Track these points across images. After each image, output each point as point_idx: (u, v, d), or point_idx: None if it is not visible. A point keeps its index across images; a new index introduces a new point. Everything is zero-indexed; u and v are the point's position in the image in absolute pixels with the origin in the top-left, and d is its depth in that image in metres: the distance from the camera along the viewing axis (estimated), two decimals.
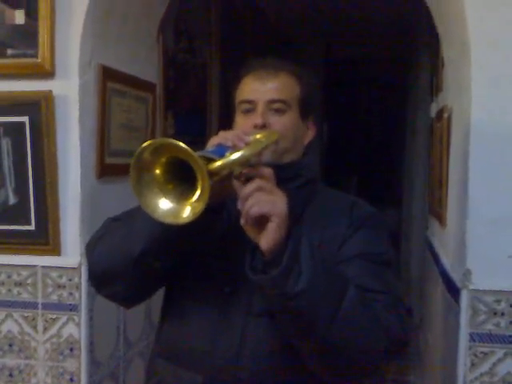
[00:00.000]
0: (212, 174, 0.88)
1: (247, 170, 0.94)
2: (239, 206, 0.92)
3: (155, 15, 2.12)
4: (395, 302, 1.03)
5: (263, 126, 1.10)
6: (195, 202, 0.86)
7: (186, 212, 0.87)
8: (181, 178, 0.89)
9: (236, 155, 0.91)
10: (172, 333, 1.15)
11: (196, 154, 0.84)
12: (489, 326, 1.52)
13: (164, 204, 0.89)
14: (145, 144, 0.87)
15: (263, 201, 0.90)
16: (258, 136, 1.05)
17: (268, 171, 0.94)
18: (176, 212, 0.88)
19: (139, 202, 0.90)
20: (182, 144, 0.84)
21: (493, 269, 1.52)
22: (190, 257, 1.08)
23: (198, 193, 0.85)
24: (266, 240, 0.91)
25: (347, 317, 0.93)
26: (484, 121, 1.51)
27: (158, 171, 0.89)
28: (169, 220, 0.89)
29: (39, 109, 1.72)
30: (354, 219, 1.11)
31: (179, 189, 0.89)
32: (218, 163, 0.89)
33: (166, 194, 0.89)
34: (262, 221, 0.91)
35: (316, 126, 1.23)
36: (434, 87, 2.80)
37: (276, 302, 0.95)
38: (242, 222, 0.93)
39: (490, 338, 1.52)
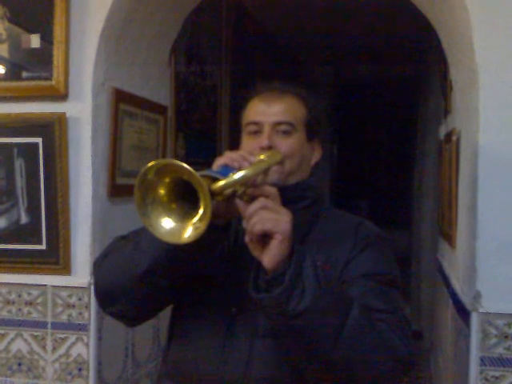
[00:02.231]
0: (215, 193, 0.89)
1: (252, 189, 0.95)
2: (244, 224, 0.93)
3: (167, 39, 2.16)
4: (400, 322, 1.02)
5: (269, 148, 1.11)
6: (198, 221, 0.87)
7: (188, 232, 0.88)
8: (185, 198, 0.90)
9: (238, 175, 0.93)
10: (178, 354, 1.14)
11: (198, 174, 0.86)
12: (500, 350, 1.50)
13: (167, 223, 0.90)
14: (148, 165, 0.88)
15: (266, 218, 0.91)
16: (262, 156, 1.07)
17: (272, 190, 0.96)
18: (178, 231, 0.89)
19: (142, 221, 0.91)
20: (184, 164, 0.86)
21: (503, 291, 1.51)
22: (196, 276, 1.08)
23: (200, 213, 0.87)
24: (269, 257, 0.91)
25: (351, 337, 0.93)
26: (492, 144, 1.52)
27: (161, 191, 0.90)
28: (171, 239, 0.90)
29: (53, 130, 1.76)
30: (360, 239, 1.11)
31: (183, 208, 0.90)
32: (221, 183, 0.90)
33: (169, 214, 0.90)
34: (265, 239, 0.92)
35: (323, 147, 1.24)
36: (443, 110, 2.81)
37: (279, 322, 0.94)
38: (247, 239, 0.94)
39: (502, 362, 1.50)
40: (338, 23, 3.95)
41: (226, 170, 0.94)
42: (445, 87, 2.69)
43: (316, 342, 0.93)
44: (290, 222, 0.93)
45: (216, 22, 3.17)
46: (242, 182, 0.94)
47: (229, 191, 0.92)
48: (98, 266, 1.14)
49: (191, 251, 0.97)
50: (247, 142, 1.16)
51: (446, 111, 2.59)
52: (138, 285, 1.04)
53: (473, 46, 1.54)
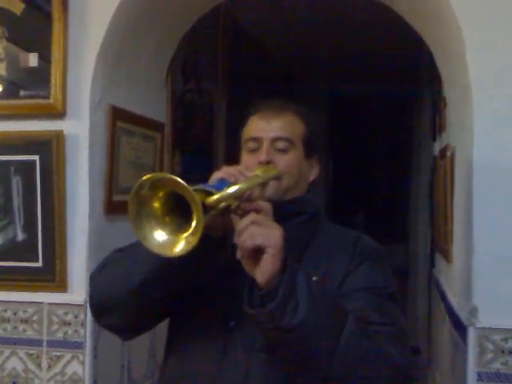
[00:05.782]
0: (209, 207, 0.90)
1: (245, 203, 0.96)
2: (235, 239, 0.94)
3: (164, 57, 2.19)
4: (399, 334, 1.03)
5: (267, 163, 1.13)
6: (190, 235, 0.88)
7: (180, 245, 0.89)
8: (179, 212, 0.90)
9: (232, 189, 0.94)
10: (175, 370, 1.14)
11: (192, 188, 0.86)
12: (497, 365, 1.50)
13: (160, 236, 0.90)
14: (143, 178, 0.89)
15: (257, 234, 0.92)
16: (258, 171, 1.08)
17: (265, 205, 0.96)
18: (170, 244, 0.89)
19: (135, 234, 0.91)
20: (178, 178, 0.87)
21: (500, 306, 1.52)
22: (192, 291, 1.08)
23: (193, 226, 0.87)
24: (262, 272, 0.92)
25: (347, 350, 0.93)
26: (486, 159, 1.54)
27: (156, 204, 0.91)
28: (162, 252, 0.90)
29: (50, 148, 1.76)
30: (357, 253, 1.12)
31: (177, 222, 0.91)
32: (215, 197, 0.91)
33: (163, 227, 0.91)
34: (257, 255, 0.92)
35: (321, 163, 1.26)
36: (437, 126, 2.83)
37: (274, 336, 0.95)
38: (238, 255, 0.94)
39: (499, 377, 1.50)
40: (333, 42, 4.00)
41: (222, 184, 0.95)
42: (438, 104, 2.72)
43: (311, 355, 0.93)
44: (281, 236, 0.93)
45: (213, 41, 3.21)
46: (236, 196, 0.95)
47: (223, 205, 0.93)
48: (95, 278, 1.15)
49: (186, 264, 0.97)
50: (247, 159, 1.17)
51: (440, 127, 2.61)
52: (133, 296, 1.04)
53: (466, 62, 1.56)
